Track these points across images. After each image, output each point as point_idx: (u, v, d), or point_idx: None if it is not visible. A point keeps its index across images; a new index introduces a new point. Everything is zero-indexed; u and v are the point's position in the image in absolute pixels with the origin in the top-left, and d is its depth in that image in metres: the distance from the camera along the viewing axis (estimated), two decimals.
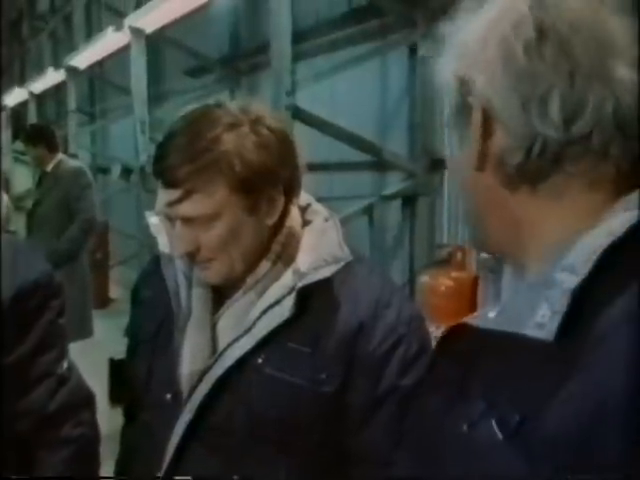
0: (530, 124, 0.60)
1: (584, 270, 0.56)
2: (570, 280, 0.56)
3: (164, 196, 1.01)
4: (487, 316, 0.63)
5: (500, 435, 0.56)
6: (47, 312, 1.20)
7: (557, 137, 0.60)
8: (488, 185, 0.65)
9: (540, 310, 0.57)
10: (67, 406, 1.21)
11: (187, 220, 1.00)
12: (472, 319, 0.65)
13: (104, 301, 6.72)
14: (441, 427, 0.64)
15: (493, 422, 0.57)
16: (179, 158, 0.98)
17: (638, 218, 0.58)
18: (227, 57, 6.55)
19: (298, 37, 4.27)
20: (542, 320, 0.56)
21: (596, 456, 0.49)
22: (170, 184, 0.99)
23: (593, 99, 0.58)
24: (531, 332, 0.56)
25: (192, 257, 1.03)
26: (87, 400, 1.28)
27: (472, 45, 0.63)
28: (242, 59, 6.26)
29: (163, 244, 1.12)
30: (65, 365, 1.24)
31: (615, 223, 0.59)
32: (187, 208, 0.99)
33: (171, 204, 1.00)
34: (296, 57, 3.77)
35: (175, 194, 0.98)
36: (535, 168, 0.61)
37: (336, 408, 1.00)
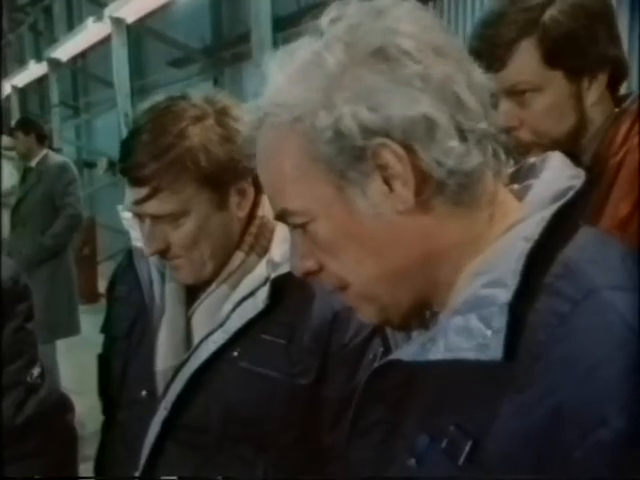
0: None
1: (514, 281, 0.54)
2: (502, 294, 0.55)
3: (131, 194, 0.99)
4: (415, 349, 0.60)
5: (454, 463, 0.54)
6: (13, 318, 1.14)
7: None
8: (409, 224, 0.59)
9: (477, 331, 0.54)
10: (38, 416, 1.16)
11: (156, 218, 0.98)
12: (401, 354, 0.63)
13: (93, 296, 6.69)
14: (383, 469, 0.62)
15: (443, 452, 0.55)
16: (144, 156, 0.96)
17: (549, 218, 0.57)
18: (210, 47, 6.49)
19: (279, 24, 4.23)
20: (483, 341, 0.54)
21: (556, 458, 0.49)
22: (136, 182, 0.97)
23: None
24: (474, 355, 0.54)
25: (163, 255, 1.01)
26: (61, 408, 1.23)
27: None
28: (225, 48, 6.20)
29: (136, 238, 1.10)
30: (36, 372, 1.17)
31: (528, 226, 0.57)
32: (154, 206, 0.97)
33: (138, 202, 0.98)
34: (278, 44, 3.74)
35: (142, 192, 0.97)
36: (456, 180, 0.58)
37: (312, 402, 0.99)
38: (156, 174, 0.95)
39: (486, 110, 0.60)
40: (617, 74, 1.18)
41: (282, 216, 0.64)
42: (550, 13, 1.12)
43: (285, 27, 4.35)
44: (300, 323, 1.00)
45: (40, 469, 1.16)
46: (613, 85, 1.18)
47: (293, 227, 0.64)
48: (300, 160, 0.60)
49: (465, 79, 0.59)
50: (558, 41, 1.12)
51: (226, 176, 0.99)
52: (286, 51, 0.62)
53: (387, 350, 0.69)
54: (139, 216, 1.01)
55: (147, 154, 0.96)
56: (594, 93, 1.15)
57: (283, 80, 0.60)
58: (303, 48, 0.61)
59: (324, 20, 0.61)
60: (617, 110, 1.17)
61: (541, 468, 0.50)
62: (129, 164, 0.97)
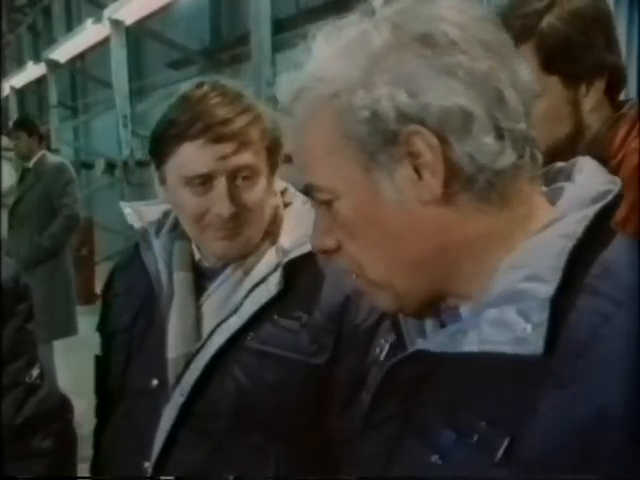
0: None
1: (555, 277, 0.54)
2: (543, 289, 0.54)
3: (211, 153, 0.99)
4: (443, 340, 0.59)
5: (489, 459, 0.53)
6: (13, 318, 1.14)
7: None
8: (431, 215, 0.58)
9: (516, 325, 0.53)
10: (37, 417, 1.16)
11: (234, 176, 1.00)
12: (428, 344, 0.61)
13: (90, 297, 6.68)
14: (395, 465, 0.61)
15: (475, 448, 0.54)
16: (227, 113, 1.00)
17: (592, 217, 0.57)
18: (209, 48, 6.49)
19: (279, 27, 4.24)
20: (522, 335, 0.53)
21: (597, 459, 0.49)
22: (223, 138, 0.99)
23: None
24: (511, 349, 0.53)
25: (236, 217, 1.01)
26: (60, 408, 1.22)
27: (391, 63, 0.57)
28: (224, 50, 6.21)
29: (139, 228, 1.12)
30: (35, 373, 1.17)
31: (567, 224, 0.57)
32: (242, 159, 1.00)
33: (226, 157, 0.99)
34: (277, 47, 3.74)
35: (227, 147, 0.99)
36: (486, 177, 0.57)
37: (324, 383, 1.00)
38: (245, 128, 1.00)
39: (527, 110, 0.59)
40: (615, 81, 1.18)
41: (307, 190, 0.63)
42: (548, 20, 1.12)
43: (284, 29, 4.35)
44: (313, 305, 1.01)
45: (40, 469, 1.15)
46: (611, 92, 1.18)
47: (317, 203, 0.63)
48: (332, 136, 0.59)
49: (509, 76, 0.58)
50: (555, 47, 1.12)
51: (280, 146, 1.05)
52: (335, 26, 0.61)
53: (399, 338, 0.68)
54: (213, 177, 1.00)
55: (230, 111, 1.00)
56: (591, 99, 1.15)
57: (327, 55, 0.60)
58: (352, 26, 0.60)
59: (378, 0, 0.61)
60: (615, 114, 1.18)
61: (582, 466, 0.49)
62: (212, 120, 0.98)
